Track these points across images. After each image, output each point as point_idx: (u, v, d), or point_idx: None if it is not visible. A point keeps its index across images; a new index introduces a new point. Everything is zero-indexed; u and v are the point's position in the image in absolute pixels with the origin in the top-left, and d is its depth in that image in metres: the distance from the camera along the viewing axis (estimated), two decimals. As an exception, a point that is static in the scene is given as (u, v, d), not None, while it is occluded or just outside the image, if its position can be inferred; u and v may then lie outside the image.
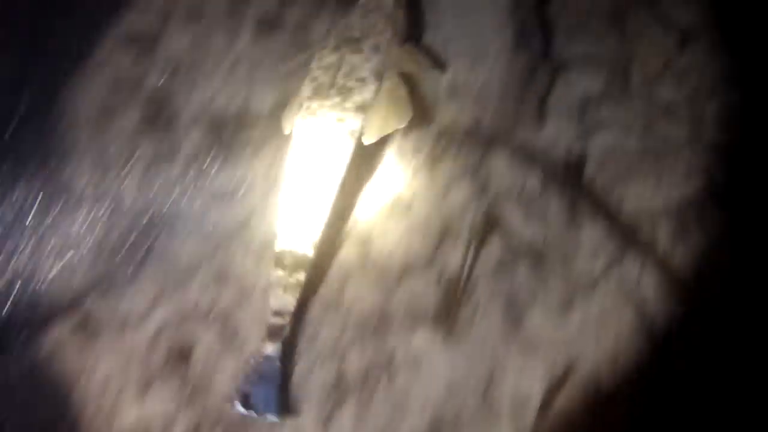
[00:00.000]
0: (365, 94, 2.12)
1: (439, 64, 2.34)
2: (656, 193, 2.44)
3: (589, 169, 2.50)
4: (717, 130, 2.59)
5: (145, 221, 2.47)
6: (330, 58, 2.19)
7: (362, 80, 2.13)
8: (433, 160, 2.43)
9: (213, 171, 2.49)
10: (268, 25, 2.67)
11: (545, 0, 2.89)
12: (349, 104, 2.11)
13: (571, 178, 2.47)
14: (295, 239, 2.07)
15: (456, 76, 2.52)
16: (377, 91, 2.13)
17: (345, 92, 2.11)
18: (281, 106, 2.49)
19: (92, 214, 2.46)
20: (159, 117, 2.62)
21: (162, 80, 2.66)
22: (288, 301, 2.02)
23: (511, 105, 2.56)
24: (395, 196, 2.37)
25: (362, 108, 2.11)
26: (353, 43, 2.19)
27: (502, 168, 2.45)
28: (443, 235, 2.31)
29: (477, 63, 2.54)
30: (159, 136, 2.59)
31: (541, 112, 2.62)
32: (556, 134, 2.57)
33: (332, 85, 2.14)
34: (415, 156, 2.43)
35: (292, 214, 2.09)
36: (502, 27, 2.64)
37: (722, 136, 2.57)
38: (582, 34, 2.89)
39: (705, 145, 2.56)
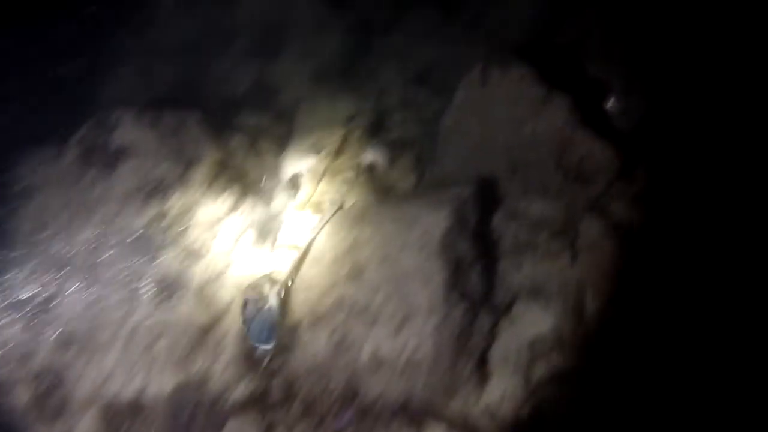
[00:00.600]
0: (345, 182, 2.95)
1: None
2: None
3: (541, 442, 2.15)
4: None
5: None
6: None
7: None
8: (357, 451, 2.10)
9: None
10: (169, 287, 2.39)
11: (486, 218, 2.62)
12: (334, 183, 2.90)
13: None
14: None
15: (378, 346, 2.20)
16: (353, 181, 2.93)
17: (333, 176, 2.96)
18: (183, 388, 2.21)
19: None
20: (49, 398, 2.30)
21: (53, 353, 2.35)
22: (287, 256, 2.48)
23: (447, 369, 2.22)
24: None
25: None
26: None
27: (437, 453, 2.10)
28: None
29: (403, 325, 2.23)
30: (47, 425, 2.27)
31: (482, 371, 2.26)
32: (501, 395, 2.23)
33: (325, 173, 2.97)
34: (335, 447, 2.10)
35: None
36: (434, 270, 2.32)
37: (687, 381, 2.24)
38: (529, 254, 2.58)
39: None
